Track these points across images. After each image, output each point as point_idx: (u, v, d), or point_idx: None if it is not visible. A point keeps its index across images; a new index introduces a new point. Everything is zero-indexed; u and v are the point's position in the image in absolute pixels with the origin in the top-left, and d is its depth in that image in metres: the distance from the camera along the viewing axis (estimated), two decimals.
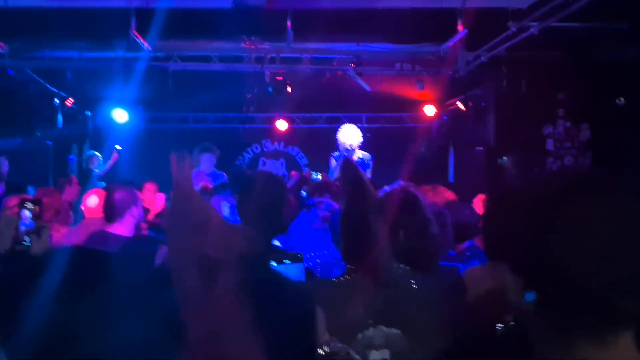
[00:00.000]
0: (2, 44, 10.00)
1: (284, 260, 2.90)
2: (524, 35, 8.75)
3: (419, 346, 2.42)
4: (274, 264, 2.83)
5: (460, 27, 9.38)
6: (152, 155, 10.15)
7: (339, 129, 9.62)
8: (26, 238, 2.98)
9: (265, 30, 9.81)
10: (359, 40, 10.53)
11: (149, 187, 8.37)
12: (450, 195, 5.29)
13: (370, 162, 9.24)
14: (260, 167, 15.90)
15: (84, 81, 11.48)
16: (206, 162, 9.07)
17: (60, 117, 12.46)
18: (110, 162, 11.18)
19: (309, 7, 9.13)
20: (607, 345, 1.17)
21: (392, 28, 9.56)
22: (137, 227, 4.88)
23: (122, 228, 4.66)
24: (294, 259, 2.95)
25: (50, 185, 9.24)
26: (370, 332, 2.44)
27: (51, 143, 10.74)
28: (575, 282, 1.15)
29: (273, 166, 15.84)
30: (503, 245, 1.35)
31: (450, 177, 14.56)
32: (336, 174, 7.93)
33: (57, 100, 12.33)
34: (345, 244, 2.70)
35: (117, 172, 11.57)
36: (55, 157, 10.92)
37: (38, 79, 11.55)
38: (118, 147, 11.22)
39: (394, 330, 2.44)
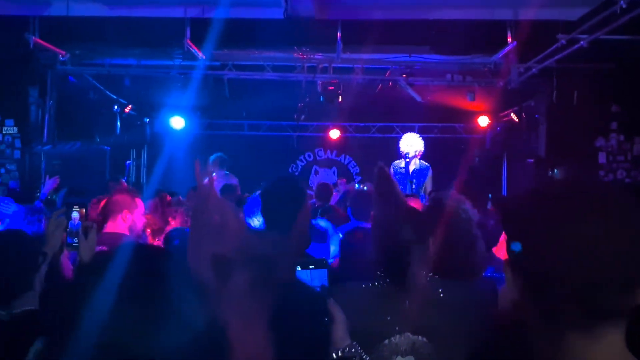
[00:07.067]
0: (64, 52, 10.34)
1: (309, 266, 2.96)
2: (574, 47, 8.69)
3: (445, 354, 2.48)
4: (298, 268, 2.89)
5: (509, 39, 9.35)
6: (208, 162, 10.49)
7: (402, 138, 9.37)
8: (74, 239, 3.15)
9: (316, 40, 9.92)
10: (410, 51, 10.55)
11: None
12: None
13: (429, 172, 9.01)
14: (313, 175, 16.08)
15: (142, 88, 11.76)
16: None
17: (118, 124, 12.80)
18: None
19: (359, 19, 9.21)
20: (596, 340, 1.23)
21: (443, 39, 9.58)
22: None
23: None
24: (319, 265, 3.00)
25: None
26: (396, 338, 2.50)
27: (108, 148, 11.03)
28: (560, 278, 1.22)
29: (325, 174, 15.98)
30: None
31: (504, 188, 14.43)
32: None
33: (116, 107, 12.66)
34: (376, 252, 2.71)
35: (174, 177, 11.73)
36: (111, 162, 11.17)
37: (98, 85, 11.89)
38: None
39: (420, 338, 2.50)
